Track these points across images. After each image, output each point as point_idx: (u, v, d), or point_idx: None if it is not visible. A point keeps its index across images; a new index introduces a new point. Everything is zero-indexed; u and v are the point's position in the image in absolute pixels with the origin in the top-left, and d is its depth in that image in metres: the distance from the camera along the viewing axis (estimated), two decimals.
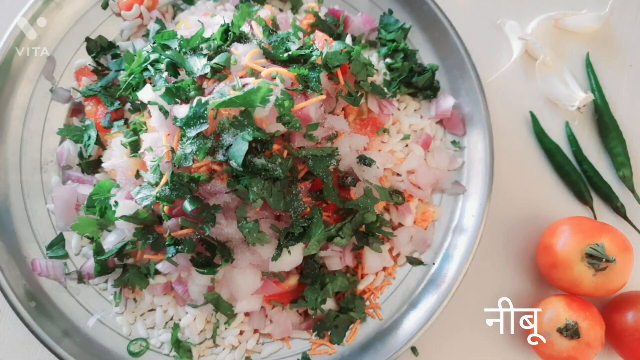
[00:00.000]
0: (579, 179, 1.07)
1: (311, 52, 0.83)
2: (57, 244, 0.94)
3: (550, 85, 1.11)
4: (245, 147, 0.72)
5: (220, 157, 0.74)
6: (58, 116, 1.00)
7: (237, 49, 0.84)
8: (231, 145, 0.73)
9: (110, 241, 0.89)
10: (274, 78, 0.80)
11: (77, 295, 0.93)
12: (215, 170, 0.76)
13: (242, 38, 0.87)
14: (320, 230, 0.81)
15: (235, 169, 0.74)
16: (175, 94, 0.81)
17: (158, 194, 0.77)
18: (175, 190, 0.76)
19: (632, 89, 1.14)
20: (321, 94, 0.81)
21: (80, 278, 0.93)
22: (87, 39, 1.01)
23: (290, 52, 0.84)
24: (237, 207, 0.79)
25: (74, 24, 1.01)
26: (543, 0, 1.16)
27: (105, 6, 1.02)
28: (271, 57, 0.84)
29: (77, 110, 1.02)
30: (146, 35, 1.02)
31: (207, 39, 0.86)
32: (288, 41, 0.85)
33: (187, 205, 0.77)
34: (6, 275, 0.88)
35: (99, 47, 1.01)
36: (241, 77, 0.81)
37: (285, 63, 0.84)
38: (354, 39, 1.02)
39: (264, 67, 0.82)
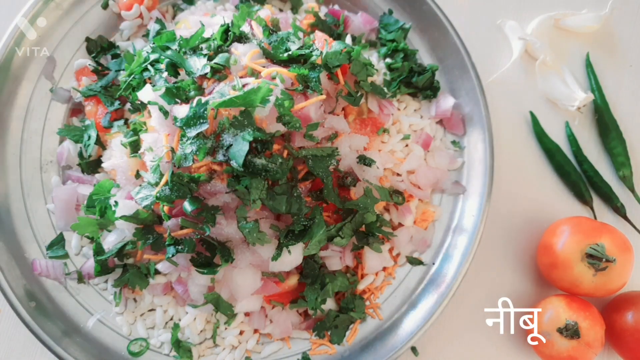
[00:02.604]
0: (579, 179, 1.07)
1: (311, 52, 0.83)
2: (57, 244, 0.94)
3: (550, 85, 1.11)
4: (245, 147, 0.72)
5: (220, 157, 0.74)
6: (58, 116, 1.00)
7: (237, 49, 0.84)
8: (231, 145, 0.73)
9: (110, 241, 0.89)
10: (274, 78, 0.80)
11: (77, 295, 0.93)
12: (215, 170, 0.76)
13: (242, 38, 0.87)
14: (322, 231, 0.81)
15: (236, 169, 0.74)
16: (175, 94, 0.81)
17: (158, 194, 0.77)
18: (175, 190, 0.76)
19: (632, 88, 1.14)
20: (321, 94, 0.81)
21: (80, 278, 0.93)
22: (87, 39, 1.01)
23: (290, 52, 0.84)
24: (237, 207, 0.79)
25: (74, 24, 1.01)
26: (543, 0, 1.16)
27: (105, 6, 1.02)
28: (271, 57, 0.84)
29: (77, 110, 1.02)
30: (146, 35, 1.02)
31: (207, 39, 0.86)
32: (288, 41, 0.85)
33: (187, 206, 0.76)
34: (6, 275, 0.88)
35: (99, 47, 1.01)
36: (241, 77, 0.81)
37: (285, 63, 0.84)
38: (354, 39, 1.02)
39: (264, 67, 0.82)
